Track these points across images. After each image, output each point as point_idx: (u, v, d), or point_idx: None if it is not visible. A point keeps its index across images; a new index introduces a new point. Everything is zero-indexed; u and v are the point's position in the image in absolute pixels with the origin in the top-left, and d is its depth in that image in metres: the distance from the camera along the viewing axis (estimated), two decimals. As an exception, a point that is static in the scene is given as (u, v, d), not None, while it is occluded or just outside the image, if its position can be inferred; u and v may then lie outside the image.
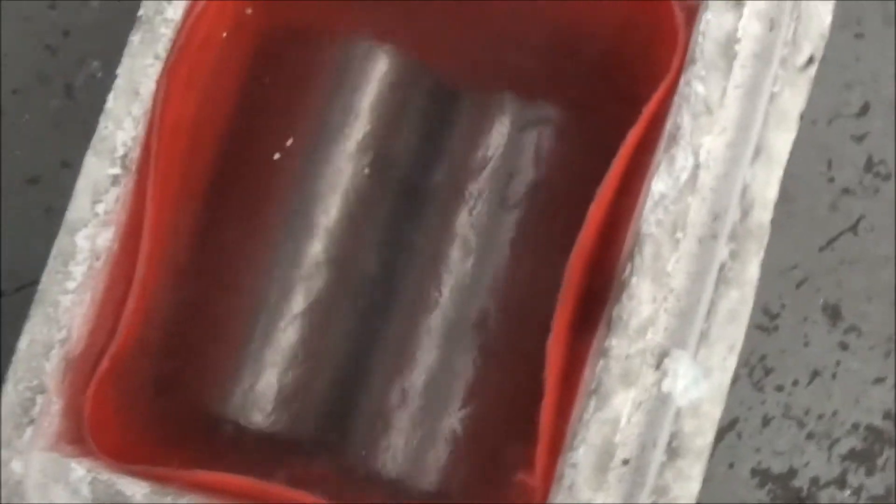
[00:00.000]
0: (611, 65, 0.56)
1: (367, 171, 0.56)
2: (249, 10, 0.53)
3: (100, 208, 0.49)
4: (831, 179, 0.70)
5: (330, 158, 0.56)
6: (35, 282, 0.48)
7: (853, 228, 0.70)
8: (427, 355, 0.56)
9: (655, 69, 0.51)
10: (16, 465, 0.47)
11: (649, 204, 0.48)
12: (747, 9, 0.49)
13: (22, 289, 0.67)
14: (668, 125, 0.49)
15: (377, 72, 0.58)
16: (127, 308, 0.49)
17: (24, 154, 0.70)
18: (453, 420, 0.55)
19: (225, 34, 0.52)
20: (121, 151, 0.49)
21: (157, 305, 0.52)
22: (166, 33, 0.49)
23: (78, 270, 0.49)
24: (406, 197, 0.58)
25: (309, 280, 0.56)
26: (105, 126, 0.49)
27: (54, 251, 0.48)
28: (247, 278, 0.55)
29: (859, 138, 0.71)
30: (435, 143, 0.58)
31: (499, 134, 0.58)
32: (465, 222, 0.57)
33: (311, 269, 0.56)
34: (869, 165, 0.70)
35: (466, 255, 0.57)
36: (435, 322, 0.56)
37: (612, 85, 0.57)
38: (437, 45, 0.58)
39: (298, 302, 0.56)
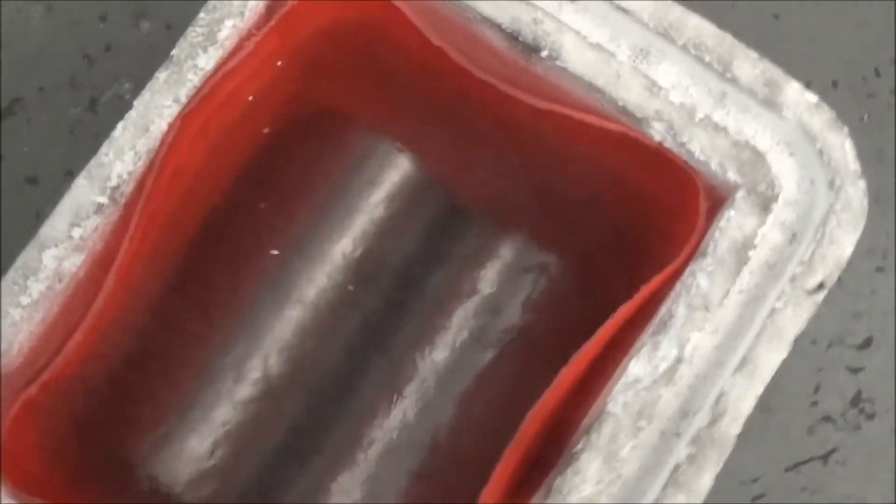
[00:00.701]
0: (628, 232, 0.55)
1: (351, 287, 0.55)
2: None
3: (76, 232, 0.47)
4: (814, 403, 0.69)
5: (321, 259, 0.55)
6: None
7: (824, 458, 0.68)
8: (361, 468, 0.54)
9: (667, 249, 0.50)
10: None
11: (622, 383, 0.47)
12: (772, 216, 0.48)
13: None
14: (662, 311, 0.47)
15: (392, 175, 0.57)
16: (73, 340, 0.47)
17: (31, 152, 0.69)
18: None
19: (251, 97, 0.51)
20: (114, 182, 0.48)
21: (105, 346, 0.50)
22: (192, 80, 0.48)
23: (36, 288, 0.47)
24: (387, 304, 0.56)
25: (266, 369, 0.55)
26: (106, 153, 0.48)
27: (18, 262, 0.47)
28: (203, 352, 0.54)
29: (854, 370, 0.69)
30: (429, 257, 0.57)
31: (497, 269, 0.57)
32: (439, 345, 0.56)
33: (270, 359, 0.55)
34: (857, 400, 0.69)
35: (428, 380, 0.55)
36: (378, 435, 0.55)
37: (623, 251, 0.56)
38: (465, 171, 0.57)
39: (248, 388, 0.54)
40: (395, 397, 0.55)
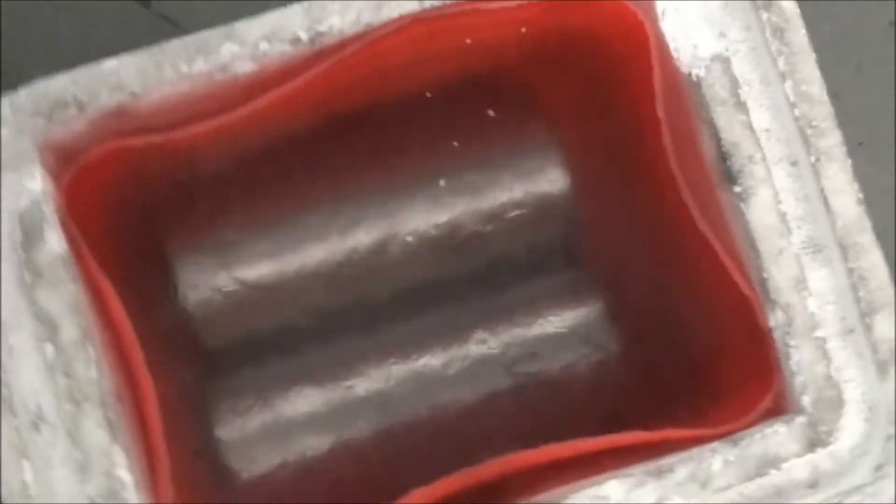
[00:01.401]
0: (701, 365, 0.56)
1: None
2: None
3: (263, 46, 0.49)
4: None
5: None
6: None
7: None
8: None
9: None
10: None
11: (589, 493, 0.47)
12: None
13: None
14: (668, 460, 0.48)
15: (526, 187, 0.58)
16: (221, 118, 0.49)
17: None
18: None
19: (469, 41, 0.52)
20: (323, 28, 0.49)
21: (236, 144, 0.52)
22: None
23: (200, 64, 0.48)
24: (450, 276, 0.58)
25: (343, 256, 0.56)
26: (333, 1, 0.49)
27: (200, 37, 0.48)
28: (296, 210, 0.55)
29: None
30: (509, 269, 0.58)
31: (562, 325, 0.58)
32: (471, 346, 0.57)
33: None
34: None
35: (439, 368, 0.57)
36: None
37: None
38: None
39: (318, 255, 0.56)
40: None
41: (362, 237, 0.57)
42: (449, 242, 0.58)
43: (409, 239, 0.57)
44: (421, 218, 0.58)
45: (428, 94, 0.56)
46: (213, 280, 0.55)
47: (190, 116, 0.49)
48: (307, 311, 0.57)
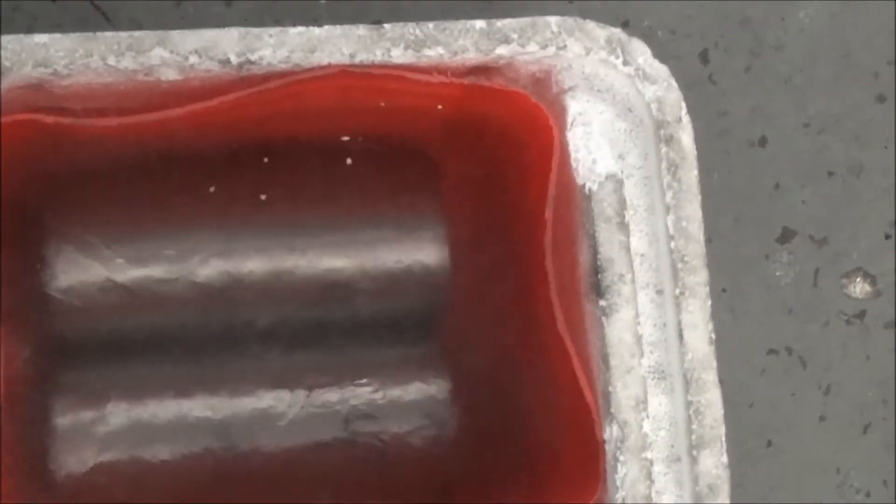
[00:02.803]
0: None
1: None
2: None
3: (193, 59, 0.50)
4: None
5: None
6: None
7: None
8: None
9: None
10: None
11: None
12: None
13: None
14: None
15: (415, 254, 0.60)
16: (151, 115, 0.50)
17: None
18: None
19: (383, 105, 0.54)
20: (254, 58, 0.50)
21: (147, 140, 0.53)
22: (375, 56, 0.51)
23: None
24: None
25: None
26: (270, 35, 0.50)
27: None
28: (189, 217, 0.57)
29: None
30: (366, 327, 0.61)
31: (410, 397, 0.60)
32: (316, 396, 0.58)
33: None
34: None
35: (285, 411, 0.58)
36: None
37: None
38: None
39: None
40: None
41: (240, 266, 0.58)
42: (320, 290, 0.59)
43: (285, 278, 0.58)
44: (301, 259, 0.59)
45: (344, 138, 0.57)
46: (84, 273, 0.55)
47: (103, 109, 0.50)
48: (167, 324, 0.57)
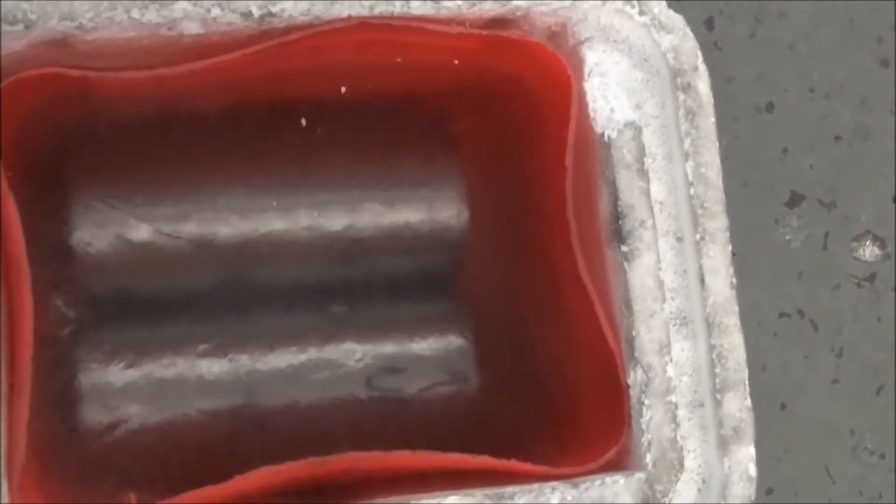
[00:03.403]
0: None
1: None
2: None
3: (216, 12, 0.50)
4: None
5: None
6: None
7: None
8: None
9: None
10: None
11: None
12: None
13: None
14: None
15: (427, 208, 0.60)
16: (143, 73, 0.50)
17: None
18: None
19: (399, 60, 0.54)
20: (276, 9, 0.51)
21: (149, 99, 0.53)
22: (395, 7, 0.51)
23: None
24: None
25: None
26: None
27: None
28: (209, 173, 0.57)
29: None
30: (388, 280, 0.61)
31: (428, 346, 0.60)
32: (338, 351, 0.59)
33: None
34: None
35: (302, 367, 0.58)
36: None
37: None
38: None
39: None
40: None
41: (260, 224, 0.58)
42: (340, 247, 0.59)
43: (305, 235, 0.59)
44: (322, 218, 0.59)
45: (345, 93, 0.58)
46: (109, 228, 0.56)
47: (127, 65, 0.51)
48: (192, 282, 0.58)
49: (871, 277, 0.83)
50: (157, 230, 0.57)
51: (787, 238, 0.83)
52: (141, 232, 0.56)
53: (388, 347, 0.60)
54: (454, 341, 0.61)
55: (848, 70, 0.84)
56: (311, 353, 0.59)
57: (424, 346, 0.60)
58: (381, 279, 0.60)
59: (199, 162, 0.57)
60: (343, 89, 0.57)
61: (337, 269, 0.60)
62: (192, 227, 0.57)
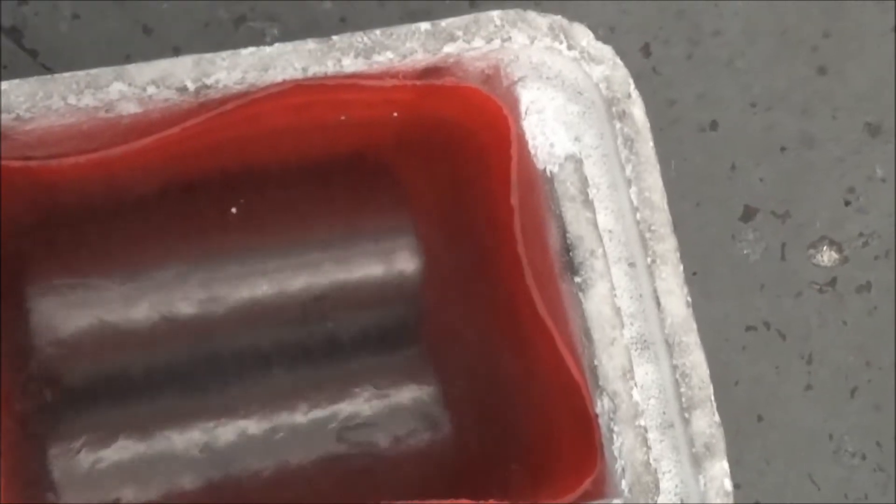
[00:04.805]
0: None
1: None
2: None
3: (151, 90, 0.51)
4: None
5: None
6: None
7: None
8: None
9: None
10: None
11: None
12: None
13: None
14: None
15: (396, 264, 0.61)
16: (96, 154, 0.51)
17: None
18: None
19: (344, 118, 0.55)
20: (210, 81, 0.51)
21: (103, 182, 0.54)
22: (327, 68, 0.52)
23: (88, 98, 0.50)
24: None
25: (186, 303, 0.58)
26: (223, 58, 0.52)
27: (94, 71, 0.50)
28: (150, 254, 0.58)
29: None
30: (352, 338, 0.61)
31: (398, 400, 0.61)
32: (305, 409, 0.59)
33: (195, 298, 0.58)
34: None
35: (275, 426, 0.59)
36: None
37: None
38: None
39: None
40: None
41: (219, 294, 0.59)
42: (299, 309, 0.60)
43: (264, 301, 0.59)
44: (282, 282, 0.60)
45: (298, 164, 0.59)
46: (66, 312, 0.56)
47: (70, 150, 0.51)
48: (159, 357, 0.58)
49: (832, 282, 0.84)
50: (119, 310, 0.57)
51: (746, 252, 0.83)
52: (102, 312, 0.57)
53: (358, 402, 0.60)
54: (423, 389, 0.61)
55: (787, 81, 0.85)
56: (283, 417, 0.59)
57: (393, 396, 0.60)
58: (345, 336, 0.61)
59: (153, 239, 0.58)
60: (299, 164, 0.58)
61: (301, 330, 0.60)
62: (152, 303, 0.58)
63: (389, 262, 0.61)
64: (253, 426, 0.59)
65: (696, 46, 0.84)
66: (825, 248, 0.84)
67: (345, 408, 0.60)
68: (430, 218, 0.61)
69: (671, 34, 0.84)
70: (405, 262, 0.61)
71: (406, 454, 0.59)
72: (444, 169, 0.59)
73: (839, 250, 0.85)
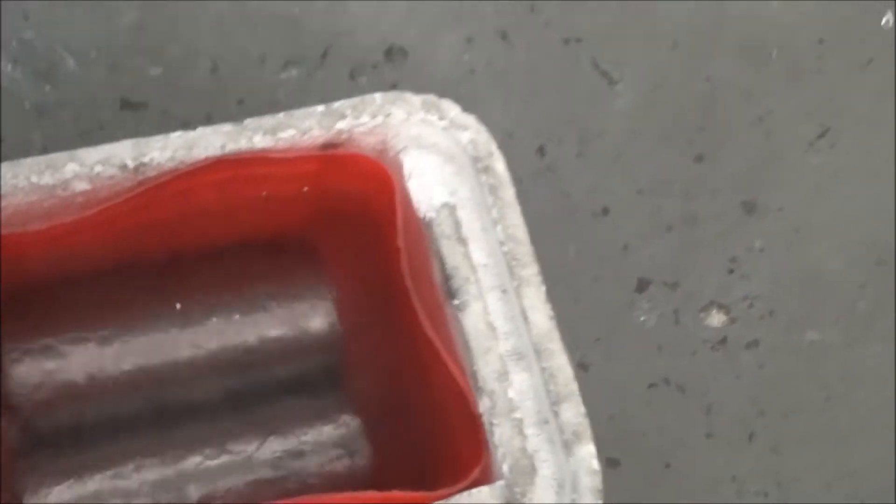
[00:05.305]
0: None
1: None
2: None
3: (98, 168, 0.63)
4: None
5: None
6: None
7: None
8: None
9: None
10: None
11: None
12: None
13: None
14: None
15: (310, 321, 0.72)
16: (54, 229, 0.63)
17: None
18: None
19: (265, 194, 0.67)
20: (146, 160, 0.64)
21: (60, 257, 0.65)
22: (240, 144, 0.64)
23: (48, 178, 0.62)
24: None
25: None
26: (158, 140, 0.64)
27: (50, 156, 0.62)
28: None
29: None
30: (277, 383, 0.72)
31: (322, 433, 0.71)
32: (240, 451, 0.70)
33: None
34: None
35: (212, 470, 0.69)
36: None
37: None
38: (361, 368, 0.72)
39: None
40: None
41: (171, 353, 0.70)
42: (240, 363, 0.71)
43: (208, 356, 0.70)
44: (220, 341, 0.71)
45: (230, 240, 0.70)
46: (36, 369, 0.67)
47: (32, 223, 0.63)
48: (117, 407, 0.69)
49: (723, 341, 0.95)
50: (82, 368, 0.68)
51: (642, 319, 0.95)
52: (67, 371, 0.68)
53: (290, 438, 0.71)
54: (346, 423, 0.71)
55: (668, 170, 0.98)
56: (228, 451, 0.70)
57: (320, 432, 0.71)
58: (277, 384, 0.72)
59: (108, 305, 0.69)
60: (225, 240, 0.70)
61: (240, 380, 0.71)
62: (110, 361, 0.69)
63: (310, 318, 0.72)
64: (200, 460, 0.69)
65: (585, 145, 0.97)
66: (714, 311, 0.96)
67: (280, 441, 0.70)
68: (344, 278, 0.72)
69: (562, 136, 0.97)
70: (323, 318, 0.72)
71: (333, 476, 0.69)
72: (352, 234, 0.71)
73: (727, 312, 0.96)
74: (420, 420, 0.69)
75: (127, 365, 0.69)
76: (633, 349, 0.94)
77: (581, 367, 0.92)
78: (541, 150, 0.96)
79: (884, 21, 1.06)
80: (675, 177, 0.98)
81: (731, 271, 0.97)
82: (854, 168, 1.01)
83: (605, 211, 0.96)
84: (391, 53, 0.96)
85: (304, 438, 0.70)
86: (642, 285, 0.95)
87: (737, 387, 0.95)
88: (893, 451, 0.95)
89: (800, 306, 0.97)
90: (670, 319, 0.95)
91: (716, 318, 0.96)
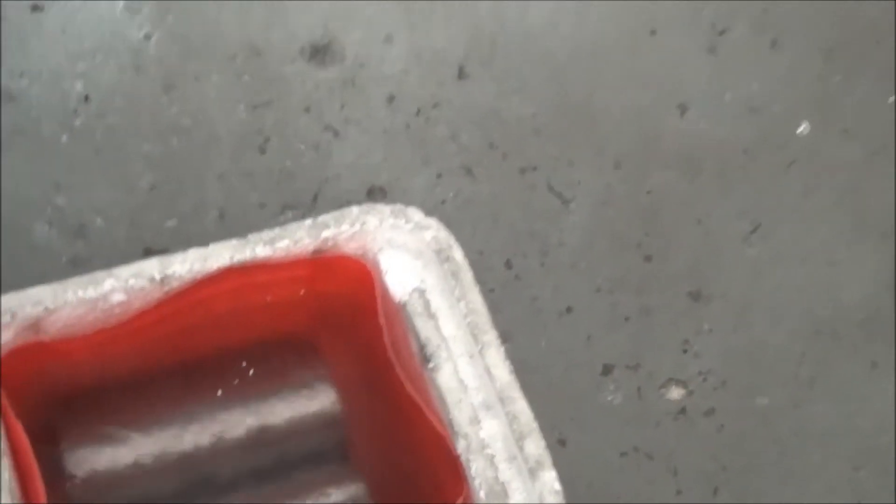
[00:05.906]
0: None
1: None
2: None
3: (132, 282, 0.78)
4: None
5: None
6: None
7: None
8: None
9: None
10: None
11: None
12: None
13: None
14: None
15: (312, 406, 0.86)
16: (101, 335, 0.77)
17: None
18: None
19: (269, 298, 0.82)
20: (170, 271, 0.79)
21: (109, 361, 0.80)
22: (244, 255, 0.80)
23: (91, 291, 0.77)
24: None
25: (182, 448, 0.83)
26: (181, 256, 0.79)
27: (96, 274, 0.77)
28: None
29: None
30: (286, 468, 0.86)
31: None
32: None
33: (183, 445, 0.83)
34: None
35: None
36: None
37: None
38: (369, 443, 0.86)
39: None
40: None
41: (200, 438, 0.83)
42: (258, 442, 0.84)
43: (235, 437, 0.84)
44: (243, 424, 0.84)
45: (244, 343, 0.85)
46: (91, 457, 0.80)
47: (81, 332, 0.78)
48: (163, 485, 0.82)
49: (683, 411, 1.09)
50: (134, 456, 0.82)
51: (610, 398, 1.08)
52: (122, 456, 0.81)
53: (307, 501, 0.84)
54: (353, 487, 0.85)
55: (621, 270, 1.12)
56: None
57: (331, 495, 0.84)
58: (293, 458, 0.85)
59: (145, 403, 0.83)
60: (242, 341, 0.85)
61: (258, 456, 0.85)
62: (158, 448, 0.82)
63: (317, 404, 0.86)
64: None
65: (547, 256, 1.12)
66: (673, 386, 1.09)
67: (298, 504, 0.83)
68: (341, 364, 0.87)
69: (526, 250, 1.12)
70: (328, 403, 0.86)
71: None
72: (343, 325, 0.86)
73: (685, 386, 1.09)
74: (410, 464, 0.82)
75: (164, 450, 0.83)
76: (603, 424, 1.07)
77: (559, 443, 1.05)
78: (508, 263, 1.11)
79: (800, 129, 1.22)
80: (628, 275, 1.12)
81: (685, 351, 1.11)
82: (786, 255, 1.16)
83: (569, 309, 1.10)
84: (373, 192, 1.11)
85: (318, 502, 0.83)
86: (607, 369, 1.09)
87: (699, 449, 1.08)
88: (849, 496, 1.07)
89: (749, 376, 1.11)
90: (634, 396, 1.09)
91: (675, 392, 1.09)
